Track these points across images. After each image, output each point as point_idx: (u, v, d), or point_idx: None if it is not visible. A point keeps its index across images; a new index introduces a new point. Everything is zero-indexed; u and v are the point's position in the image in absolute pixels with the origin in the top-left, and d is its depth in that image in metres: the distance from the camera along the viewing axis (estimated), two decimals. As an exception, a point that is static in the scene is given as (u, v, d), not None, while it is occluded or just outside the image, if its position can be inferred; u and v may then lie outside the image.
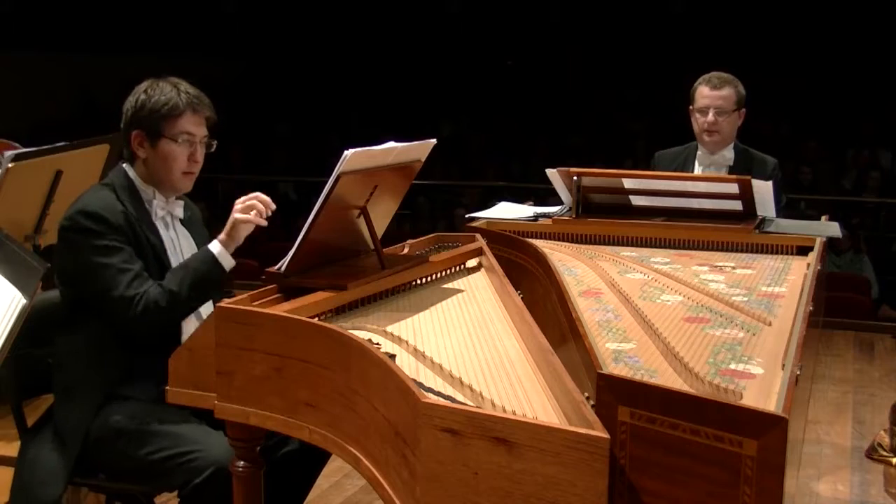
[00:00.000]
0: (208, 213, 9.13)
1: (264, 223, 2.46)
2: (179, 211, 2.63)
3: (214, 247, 2.45)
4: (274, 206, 2.48)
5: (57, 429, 2.47)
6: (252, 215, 2.44)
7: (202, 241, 2.71)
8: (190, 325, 2.49)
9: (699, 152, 3.84)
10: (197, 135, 2.54)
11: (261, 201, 2.46)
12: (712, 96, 3.74)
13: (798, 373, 1.72)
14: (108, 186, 2.52)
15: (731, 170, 3.76)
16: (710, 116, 3.73)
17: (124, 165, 2.57)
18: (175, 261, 2.55)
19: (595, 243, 3.17)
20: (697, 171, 3.83)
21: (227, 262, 2.46)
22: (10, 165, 3.22)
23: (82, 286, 2.44)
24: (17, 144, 3.86)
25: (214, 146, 2.62)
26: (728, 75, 3.81)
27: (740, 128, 3.85)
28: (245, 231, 2.46)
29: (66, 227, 2.43)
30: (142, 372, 2.44)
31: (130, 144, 2.54)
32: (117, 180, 2.54)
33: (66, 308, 2.50)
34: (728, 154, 3.80)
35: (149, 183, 2.55)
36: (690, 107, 3.82)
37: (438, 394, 1.75)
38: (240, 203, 2.47)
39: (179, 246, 2.60)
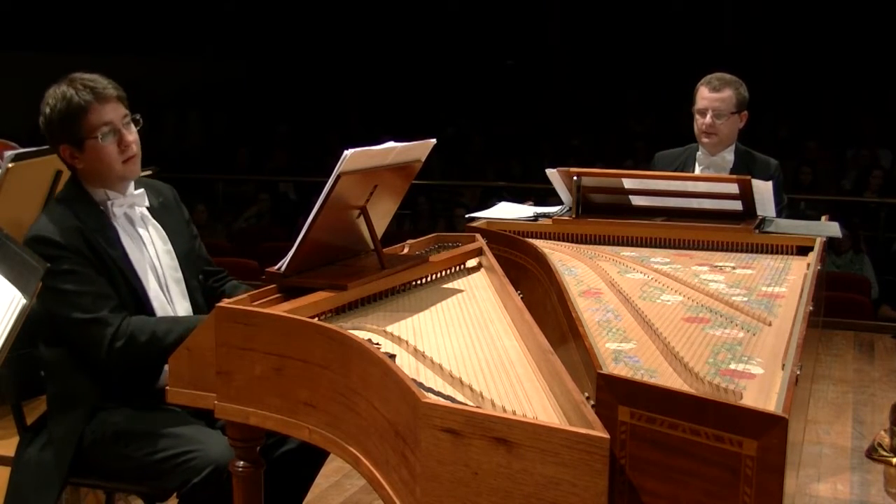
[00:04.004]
0: (207, 215, 9.15)
1: None
2: (142, 200, 2.54)
3: None
4: None
5: (50, 437, 2.46)
6: None
7: (179, 225, 2.65)
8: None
9: (699, 153, 3.84)
10: (115, 120, 2.44)
11: None
12: (710, 98, 3.74)
13: (798, 373, 1.72)
14: (62, 202, 2.46)
15: (732, 172, 3.76)
16: (708, 118, 3.74)
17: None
18: (143, 260, 2.49)
19: (595, 243, 3.17)
20: (697, 172, 3.83)
21: None
22: (10, 165, 3.22)
23: (47, 311, 2.40)
24: (14, 144, 3.85)
25: (140, 120, 2.51)
26: (731, 77, 3.80)
27: (742, 129, 3.84)
28: None
29: None
30: (128, 381, 2.43)
31: (64, 159, 2.47)
32: (70, 193, 2.49)
33: (48, 321, 2.44)
34: (728, 156, 3.80)
35: (97, 186, 2.49)
36: (693, 107, 3.82)
37: (438, 394, 1.75)
38: None
39: (150, 240, 2.53)
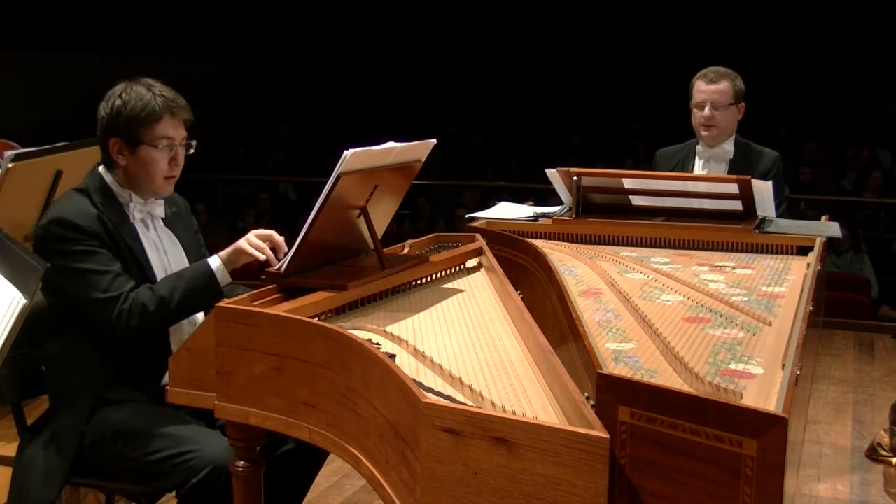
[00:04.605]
0: (207, 215, 9.15)
1: (262, 258, 2.39)
2: (160, 210, 2.59)
3: (214, 262, 2.42)
4: (285, 249, 2.41)
5: (52, 432, 2.47)
6: (256, 251, 2.39)
7: (189, 236, 2.68)
8: (182, 327, 2.49)
9: (699, 147, 3.85)
10: (176, 138, 2.50)
11: (274, 242, 2.42)
12: (708, 91, 3.75)
13: (798, 373, 1.72)
14: (83, 192, 2.48)
15: (732, 163, 3.77)
16: (707, 111, 3.74)
17: (100, 169, 2.53)
18: (157, 262, 2.53)
19: (595, 243, 3.17)
20: (698, 164, 3.85)
21: (224, 279, 2.42)
22: (10, 165, 3.22)
23: (63, 293, 2.42)
24: (15, 144, 3.85)
25: (194, 147, 2.58)
26: (725, 69, 3.82)
27: (741, 121, 3.85)
28: (244, 260, 2.43)
29: (39, 237, 2.41)
30: (133, 373, 2.44)
31: (109, 151, 2.49)
32: (92, 184, 2.50)
33: (52, 314, 2.47)
34: (728, 147, 3.81)
35: (126, 187, 2.51)
36: (690, 102, 3.83)
37: (438, 394, 1.75)
38: (254, 233, 2.44)
39: (162, 246, 2.57)
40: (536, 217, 3.36)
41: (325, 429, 1.95)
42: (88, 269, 2.37)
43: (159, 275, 2.52)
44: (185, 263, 2.61)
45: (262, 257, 2.39)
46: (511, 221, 3.33)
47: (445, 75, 13.49)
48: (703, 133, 3.79)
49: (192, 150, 2.58)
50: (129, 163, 2.49)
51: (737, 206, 3.23)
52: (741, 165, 3.71)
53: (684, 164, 3.86)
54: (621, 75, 12.97)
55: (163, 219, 2.61)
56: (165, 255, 2.57)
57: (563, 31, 14.04)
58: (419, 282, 2.58)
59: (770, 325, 2.16)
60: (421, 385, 1.75)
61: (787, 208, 3.73)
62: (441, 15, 14.08)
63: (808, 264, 2.77)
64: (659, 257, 2.94)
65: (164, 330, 2.44)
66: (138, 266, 2.47)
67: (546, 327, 2.08)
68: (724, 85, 3.75)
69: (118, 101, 2.46)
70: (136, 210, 2.53)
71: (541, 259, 2.58)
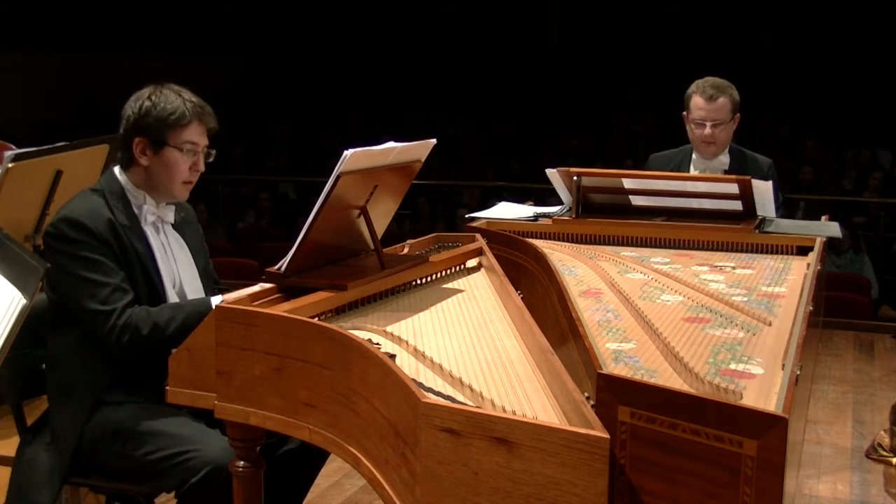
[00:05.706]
0: (207, 215, 9.15)
1: None
2: (170, 215, 2.61)
3: (216, 300, 2.40)
4: None
5: (52, 432, 2.47)
6: None
7: (196, 242, 2.70)
8: None
9: (694, 156, 3.83)
10: (200, 144, 2.53)
11: None
12: (708, 109, 3.70)
13: (798, 373, 1.72)
14: (98, 192, 2.50)
15: (727, 173, 3.75)
16: (707, 130, 3.70)
17: (115, 170, 2.56)
18: (165, 266, 2.54)
19: (595, 243, 3.17)
20: (693, 173, 3.83)
21: None
22: (10, 165, 3.22)
23: (62, 294, 2.44)
24: (11, 145, 3.85)
25: (213, 156, 2.61)
26: (721, 82, 3.76)
27: (736, 131, 3.83)
28: None
29: (49, 234, 2.43)
30: (133, 372, 2.44)
31: (132, 150, 2.51)
32: (107, 185, 2.52)
33: (54, 310, 2.49)
34: (724, 158, 3.78)
35: (141, 188, 2.53)
36: (685, 112, 3.80)
37: (438, 394, 1.75)
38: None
39: (171, 251, 2.59)
40: (536, 217, 3.36)
41: (325, 429, 1.95)
42: (89, 279, 2.38)
43: (166, 278, 2.53)
44: (193, 268, 2.63)
45: None
46: (511, 221, 3.33)
47: (445, 75, 13.48)
48: (703, 149, 3.76)
49: (211, 159, 2.60)
50: (150, 164, 2.50)
51: (737, 206, 3.23)
52: (736, 174, 3.69)
53: (679, 171, 3.84)
54: (621, 75, 12.96)
55: (172, 224, 2.62)
56: (174, 259, 2.58)
57: (563, 31, 14.04)
58: (419, 282, 2.58)
59: (770, 325, 2.16)
60: (421, 385, 1.75)
61: (783, 215, 3.72)
62: (441, 15, 14.07)
63: (808, 264, 2.77)
64: (659, 257, 2.94)
65: (155, 353, 2.37)
66: (144, 270, 2.48)
67: (546, 327, 2.08)
68: (722, 101, 3.70)
69: (147, 103, 2.49)
70: (149, 213, 2.55)
71: (541, 259, 2.58)
